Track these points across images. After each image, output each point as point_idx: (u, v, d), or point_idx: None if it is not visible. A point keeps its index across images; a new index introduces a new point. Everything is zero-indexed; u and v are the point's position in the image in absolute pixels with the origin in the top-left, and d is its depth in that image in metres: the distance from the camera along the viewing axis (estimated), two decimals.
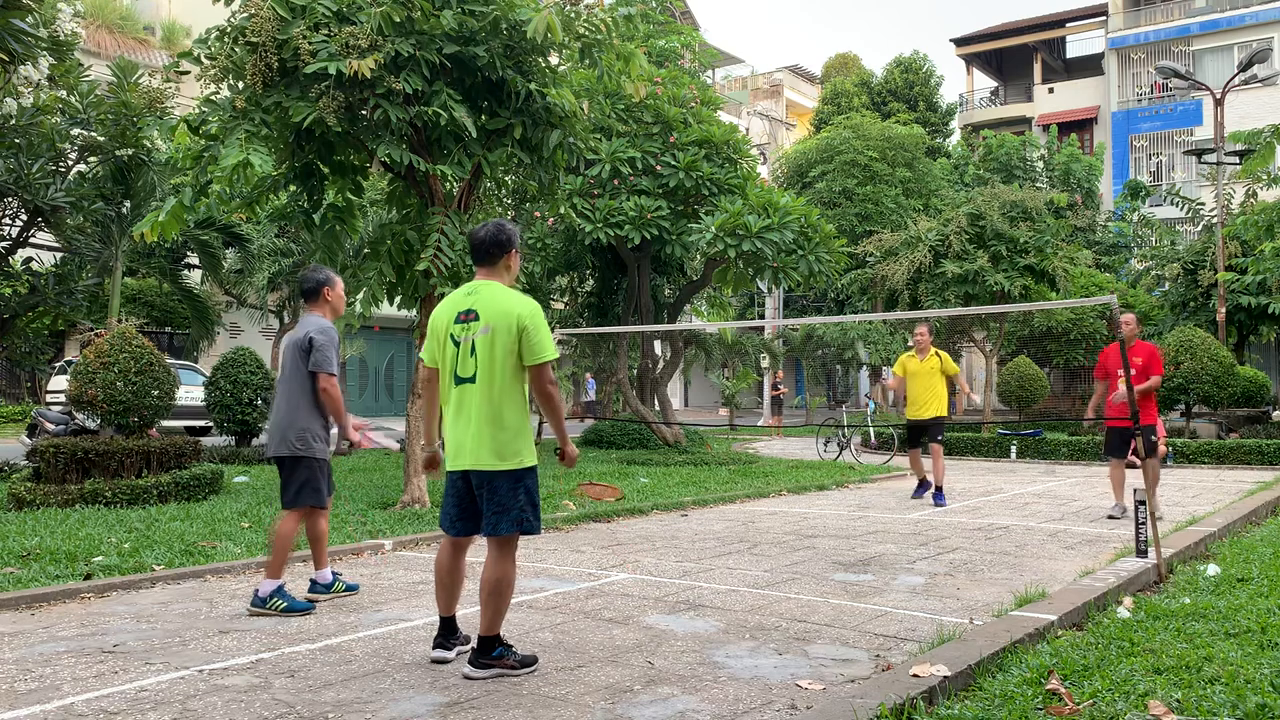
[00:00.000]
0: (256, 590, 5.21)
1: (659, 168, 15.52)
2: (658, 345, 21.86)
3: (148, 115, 12.28)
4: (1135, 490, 6.42)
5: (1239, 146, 18.06)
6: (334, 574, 5.68)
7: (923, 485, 10.69)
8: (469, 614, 4.84)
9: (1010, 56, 43.10)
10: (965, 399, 12.48)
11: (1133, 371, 8.83)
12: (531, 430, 4.17)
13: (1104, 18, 39.15)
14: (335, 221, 9.59)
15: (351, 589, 5.68)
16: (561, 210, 13.87)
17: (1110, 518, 8.95)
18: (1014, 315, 21.80)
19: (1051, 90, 40.64)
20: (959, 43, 42.36)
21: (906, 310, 19.39)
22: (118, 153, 12.51)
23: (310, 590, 5.56)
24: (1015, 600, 5.24)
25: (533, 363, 4.06)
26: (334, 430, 5.56)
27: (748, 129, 41.32)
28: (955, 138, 42.42)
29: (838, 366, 35.01)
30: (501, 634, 4.14)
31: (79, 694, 3.84)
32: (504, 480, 4.06)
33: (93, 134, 12.51)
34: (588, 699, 3.76)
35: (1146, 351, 8.87)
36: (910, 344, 10.72)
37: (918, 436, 10.76)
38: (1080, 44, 42.46)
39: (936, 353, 10.46)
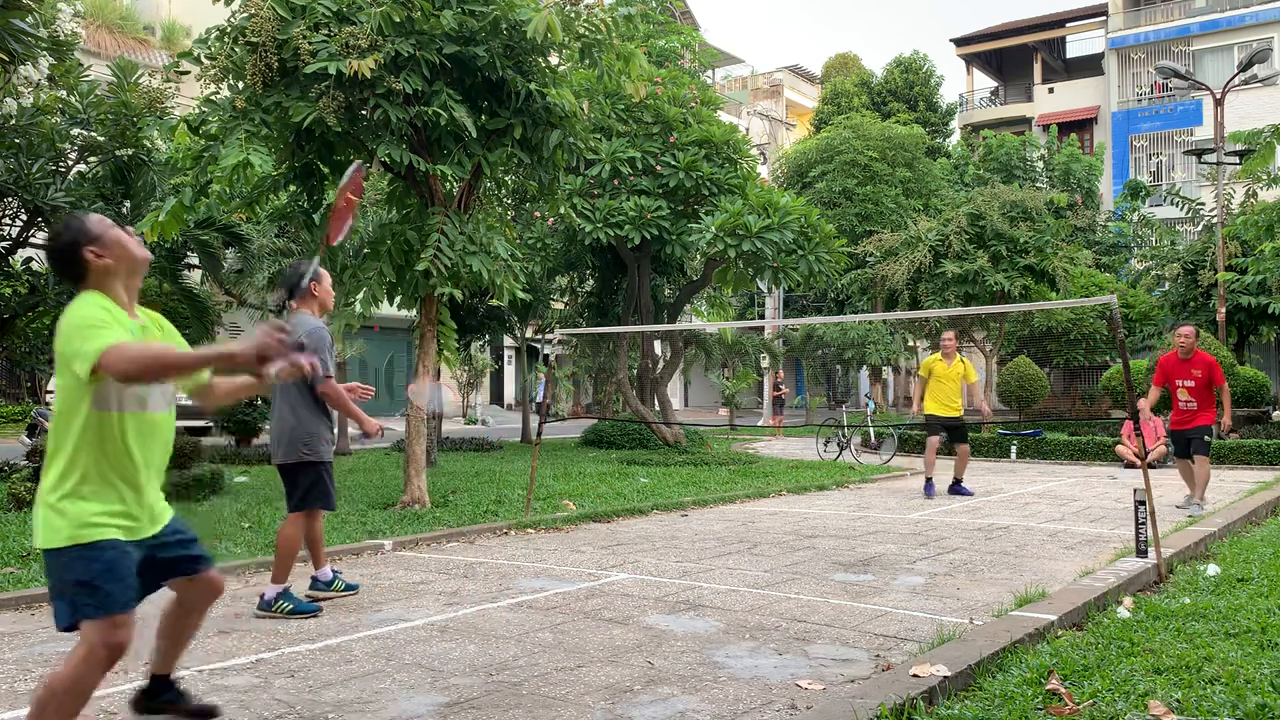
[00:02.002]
0: (262, 594, 5.21)
1: (659, 168, 15.52)
2: (658, 345, 21.87)
3: (148, 115, 12.26)
4: (1135, 490, 6.42)
5: (1239, 146, 18.04)
6: (334, 572, 5.67)
7: (931, 484, 11.05)
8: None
9: (1010, 56, 43.09)
10: (984, 411, 12.96)
11: (1191, 383, 9.23)
12: (70, 494, 2.91)
13: (1104, 18, 39.15)
14: None
15: (351, 588, 5.67)
16: (561, 210, 13.86)
17: (1179, 507, 9.37)
18: (1014, 315, 21.83)
19: (1051, 90, 40.64)
20: (959, 43, 42.36)
21: (906, 310, 19.39)
22: (118, 153, 12.49)
23: (311, 588, 5.56)
24: (1015, 600, 5.24)
25: (82, 377, 2.80)
26: (353, 429, 5.48)
27: (748, 129, 41.31)
28: (955, 138, 42.41)
29: (838, 366, 34.98)
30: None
31: None
32: (45, 559, 2.98)
33: (93, 134, 12.49)
34: (588, 699, 3.76)
35: (1205, 363, 9.27)
36: (940, 348, 11.29)
37: (940, 429, 11.17)
38: (1080, 44, 42.47)
39: (962, 360, 11.01)
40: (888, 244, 20.51)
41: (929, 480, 11.05)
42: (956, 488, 10.98)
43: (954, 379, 10.87)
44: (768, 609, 5.29)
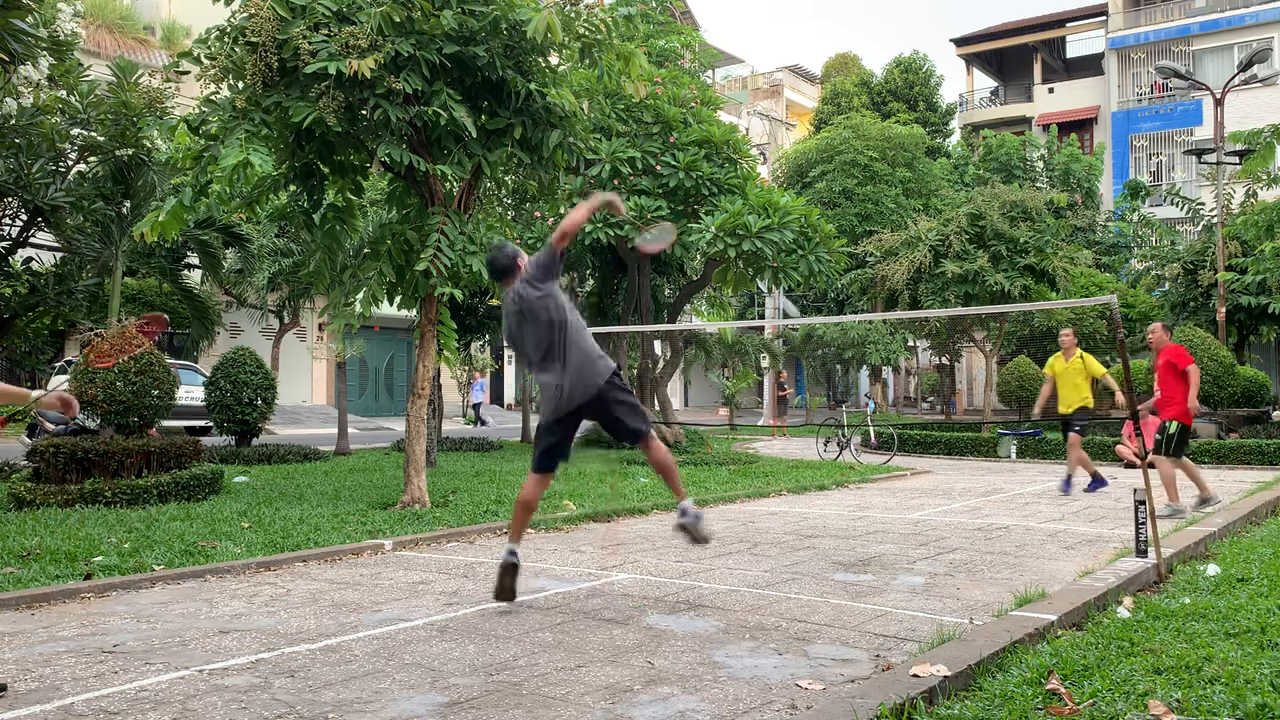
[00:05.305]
0: (684, 509, 5.34)
1: (659, 168, 15.52)
2: (658, 345, 21.86)
3: (148, 115, 12.25)
4: (1136, 490, 6.42)
5: (1239, 146, 18.04)
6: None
7: (1096, 480, 11.35)
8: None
9: (1010, 56, 43.12)
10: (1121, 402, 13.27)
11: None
12: None
13: (1104, 18, 39.16)
14: (335, 221, 9.59)
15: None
16: (561, 210, 13.87)
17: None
18: (1014, 315, 21.82)
19: (1051, 90, 40.66)
20: (959, 43, 42.37)
21: (906, 310, 19.39)
22: (118, 153, 12.48)
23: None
24: (1015, 600, 5.24)
25: None
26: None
27: (748, 129, 41.33)
28: (955, 138, 42.44)
29: (838, 366, 34.97)
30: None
31: (79, 694, 3.83)
32: None
33: (93, 134, 12.48)
34: (588, 699, 3.76)
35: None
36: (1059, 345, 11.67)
37: (1065, 429, 11.52)
38: (1080, 44, 42.52)
39: (1081, 355, 11.31)
40: (888, 244, 20.52)
41: (1094, 476, 11.36)
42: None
43: (1073, 374, 11.14)
44: (768, 609, 5.29)
